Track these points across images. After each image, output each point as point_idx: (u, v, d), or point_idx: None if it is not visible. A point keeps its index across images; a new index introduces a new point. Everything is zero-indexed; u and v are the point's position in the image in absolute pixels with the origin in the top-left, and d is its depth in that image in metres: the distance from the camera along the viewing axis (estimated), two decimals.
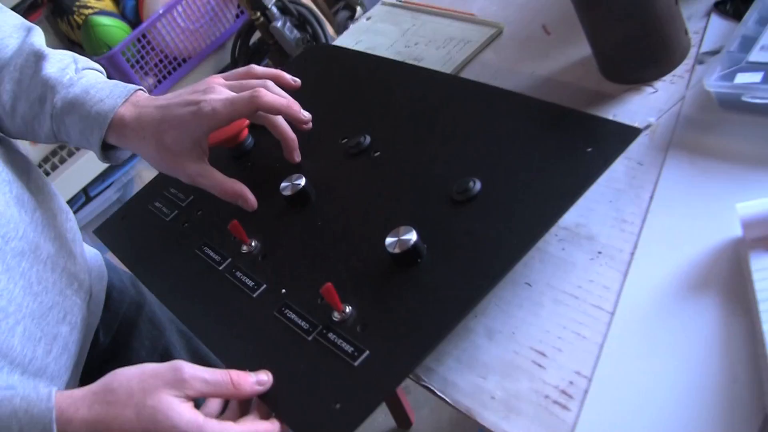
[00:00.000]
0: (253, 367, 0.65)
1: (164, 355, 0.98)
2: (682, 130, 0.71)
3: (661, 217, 0.66)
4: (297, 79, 0.83)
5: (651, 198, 0.67)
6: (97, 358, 0.90)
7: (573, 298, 0.64)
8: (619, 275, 0.63)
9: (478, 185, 0.69)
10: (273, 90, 0.78)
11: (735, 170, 0.66)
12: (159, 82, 2.17)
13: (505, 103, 0.77)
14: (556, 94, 0.82)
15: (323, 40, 2.03)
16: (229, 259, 0.78)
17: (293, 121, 0.79)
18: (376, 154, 0.80)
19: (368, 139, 0.81)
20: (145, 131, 0.77)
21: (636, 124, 0.74)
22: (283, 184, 0.79)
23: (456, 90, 0.83)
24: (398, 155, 0.78)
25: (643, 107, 0.76)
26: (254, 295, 0.73)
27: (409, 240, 0.65)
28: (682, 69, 0.77)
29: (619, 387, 0.57)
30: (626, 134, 0.67)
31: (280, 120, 0.82)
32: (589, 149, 0.67)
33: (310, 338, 0.66)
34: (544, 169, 0.68)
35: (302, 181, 0.78)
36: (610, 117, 0.76)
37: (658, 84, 0.77)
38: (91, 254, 0.94)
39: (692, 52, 0.78)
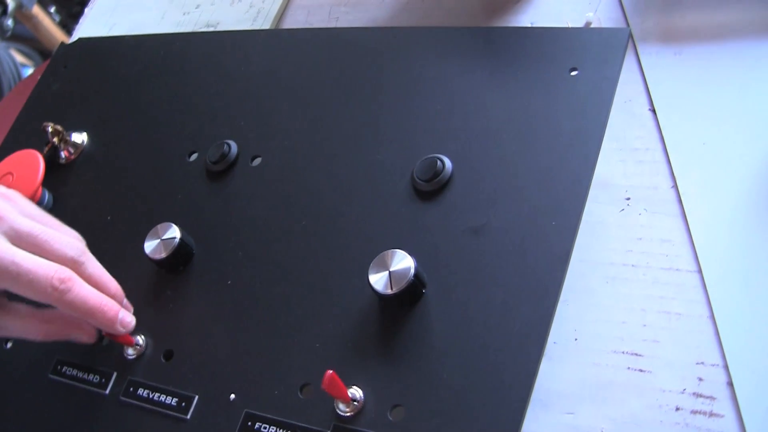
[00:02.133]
0: None
1: None
2: (638, 18, 0.57)
3: (681, 128, 0.51)
4: None
5: (653, 111, 0.53)
6: None
7: (631, 269, 0.48)
8: (675, 220, 0.48)
9: (447, 163, 0.50)
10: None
11: (731, 40, 0.53)
12: None
13: (403, 44, 0.58)
14: (440, 12, 0.64)
15: None
16: (114, 374, 0.52)
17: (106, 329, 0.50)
18: (256, 161, 0.57)
19: (233, 145, 0.58)
20: None
21: (569, 25, 0.59)
22: (148, 244, 0.54)
23: (318, 47, 0.62)
24: (290, 156, 0.57)
25: (565, 1, 0.60)
26: (188, 417, 0.48)
27: (407, 270, 0.45)
28: None
29: None
30: (609, 37, 0.51)
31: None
32: (574, 72, 0.50)
33: None
34: (528, 116, 0.50)
35: (175, 233, 0.54)
36: (528, 25, 0.60)
37: None
38: None
39: None
